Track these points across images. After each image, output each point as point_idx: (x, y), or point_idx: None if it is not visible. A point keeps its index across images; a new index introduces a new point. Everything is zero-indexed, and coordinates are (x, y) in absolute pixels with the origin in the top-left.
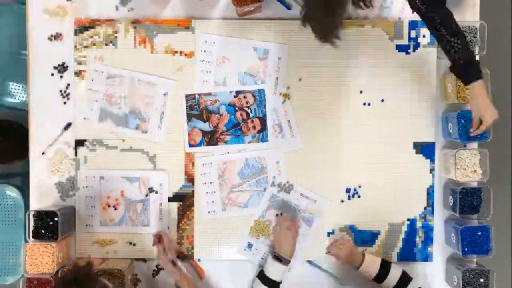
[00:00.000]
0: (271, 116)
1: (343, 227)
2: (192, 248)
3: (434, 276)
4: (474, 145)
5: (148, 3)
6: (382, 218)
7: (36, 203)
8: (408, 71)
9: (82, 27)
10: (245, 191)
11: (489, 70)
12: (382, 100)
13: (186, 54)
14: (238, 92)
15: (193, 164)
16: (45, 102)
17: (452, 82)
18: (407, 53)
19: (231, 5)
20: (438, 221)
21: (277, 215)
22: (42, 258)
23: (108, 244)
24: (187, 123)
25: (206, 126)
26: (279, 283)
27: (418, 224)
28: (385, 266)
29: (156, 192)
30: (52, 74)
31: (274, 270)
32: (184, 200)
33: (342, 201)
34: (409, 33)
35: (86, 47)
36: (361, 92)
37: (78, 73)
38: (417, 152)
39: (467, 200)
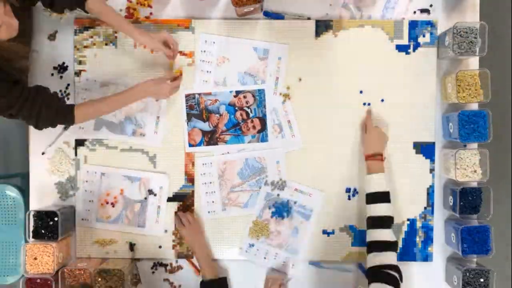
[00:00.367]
0: (271, 116)
1: (343, 227)
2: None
3: (434, 276)
4: (474, 145)
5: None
6: None
7: (36, 203)
8: (408, 71)
9: (82, 27)
10: (245, 191)
11: (489, 70)
12: (382, 100)
13: (186, 54)
14: (238, 92)
15: (193, 164)
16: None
17: (452, 82)
18: (407, 53)
19: (231, 5)
20: (438, 221)
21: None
22: (42, 258)
23: (108, 244)
24: (187, 123)
25: (206, 126)
26: None
27: (418, 224)
28: (385, 195)
29: (155, 195)
30: (52, 74)
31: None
32: (184, 200)
33: (342, 200)
34: (409, 33)
35: (86, 47)
36: (361, 92)
37: (78, 73)
38: (417, 152)
39: (467, 200)
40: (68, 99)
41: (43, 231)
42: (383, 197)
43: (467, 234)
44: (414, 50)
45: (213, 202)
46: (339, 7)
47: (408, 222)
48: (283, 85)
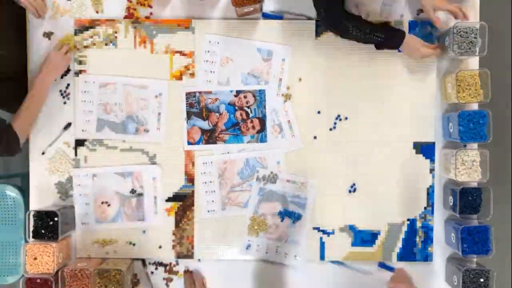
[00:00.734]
0: (271, 116)
1: (343, 227)
2: (192, 248)
3: (434, 276)
4: (474, 145)
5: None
6: (382, 218)
7: (36, 203)
8: (408, 71)
9: (82, 27)
10: (245, 190)
11: (489, 70)
12: (382, 100)
13: (185, 54)
14: (238, 92)
15: (193, 164)
16: (45, 102)
17: (452, 82)
18: None
19: (231, 6)
20: (438, 221)
21: None
22: (42, 258)
23: (108, 244)
24: (187, 121)
25: (205, 125)
26: None
27: (418, 224)
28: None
29: (141, 195)
30: None
31: None
32: (184, 200)
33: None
34: (409, 33)
35: (86, 47)
36: (360, 92)
37: (78, 73)
38: (417, 152)
39: (467, 200)
40: (68, 98)
41: (43, 231)
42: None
43: (467, 234)
44: None
45: (213, 201)
46: None
47: (408, 222)
48: (285, 86)
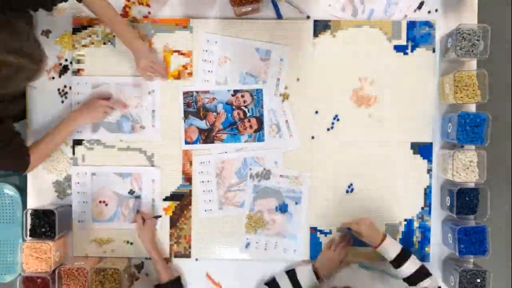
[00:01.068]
0: (269, 116)
1: (339, 227)
2: (190, 247)
3: None
4: (472, 146)
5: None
6: (379, 218)
7: (33, 202)
8: (406, 71)
9: (80, 26)
10: (242, 190)
11: (489, 70)
12: (380, 100)
13: (183, 54)
14: (236, 91)
15: (190, 163)
16: (43, 101)
17: (450, 82)
18: (405, 53)
19: (230, 5)
20: (435, 222)
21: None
22: (39, 256)
23: (105, 243)
24: (184, 120)
25: (202, 124)
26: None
27: (415, 224)
28: (405, 253)
29: (138, 197)
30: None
31: (306, 280)
32: (181, 200)
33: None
34: (407, 33)
35: (84, 46)
36: (359, 92)
37: (76, 72)
38: (414, 153)
39: (464, 200)
40: (66, 98)
41: (40, 229)
42: (404, 255)
43: (464, 235)
44: (412, 51)
45: (210, 200)
46: (339, 7)
47: (405, 222)
48: (283, 86)
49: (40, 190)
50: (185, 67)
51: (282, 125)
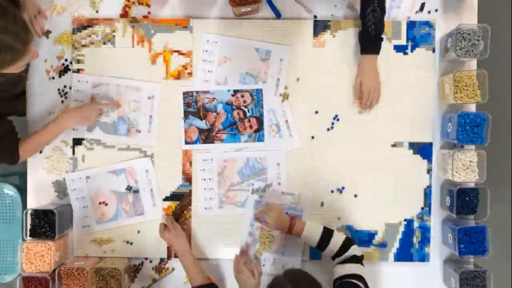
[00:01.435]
0: (268, 116)
1: (340, 227)
2: (189, 247)
3: (431, 276)
4: (472, 145)
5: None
6: (379, 218)
7: (33, 202)
8: (405, 71)
9: (80, 26)
10: (243, 190)
11: (489, 70)
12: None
13: (183, 54)
14: (236, 91)
15: (190, 163)
16: (43, 101)
17: (450, 82)
18: (405, 53)
19: (229, 5)
20: (435, 222)
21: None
22: (39, 256)
23: (105, 243)
24: (184, 120)
25: (202, 124)
26: None
27: (415, 224)
28: (327, 233)
29: (137, 191)
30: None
31: None
32: (181, 200)
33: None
34: (407, 34)
35: (84, 46)
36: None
37: (76, 72)
38: (414, 153)
39: (464, 200)
40: (66, 98)
41: (40, 229)
42: (327, 232)
43: (464, 235)
44: (412, 51)
45: (210, 198)
46: (344, 8)
47: (405, 223)
48: (283, 86)
49: (40, 190)
50: (185, 67)
51: (282, 125)
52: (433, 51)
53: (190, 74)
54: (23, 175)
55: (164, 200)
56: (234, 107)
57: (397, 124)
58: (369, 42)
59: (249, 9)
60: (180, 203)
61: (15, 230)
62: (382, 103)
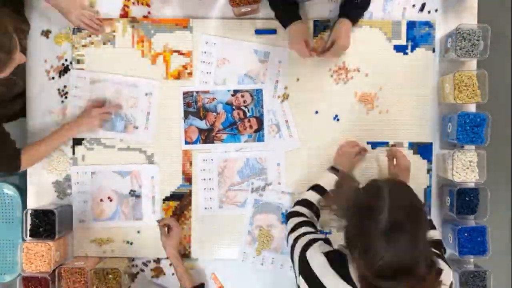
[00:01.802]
0: (268, 116)
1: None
2: (190, 247)
3: None
4: (472, 145)
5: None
6: None
7: (33, 202)
8: (406, 71)
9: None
10: (243, 190)
11: (489, 70)
12: (379, 100)
13: (183, 54)
14: (235, 91)
15: (190, 163)
16: (43, 101)
17: (450, 82)
18: (405, 53)
19: (229, 5)
20: (435, 221)
21: None
22: (39, 256)
23: (105, 242)
24: (184, 120)
25: (202, 124)
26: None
27: None
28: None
29: (139, 196)
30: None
31: (327, 181)
32: (181, 200)
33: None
34: (407, 33)
35: (84, 46)
36: (358, 92)
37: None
38: (414, 153)
39: (464, 200)
40: (66, 97)
41: (40, 229)
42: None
43: (464, 235)
44: (412, 51)
45: (210, 198)
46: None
47: None
48: (282, 87)
49: (40, 190)
50: (185, 67)
51: (282, 125)
52: (433, 51)
53: (190, 74)
54: (23, 175)
55: (164, 200)
56: (234, 107)
57: (397, 124)
58: (352, 8)
59: (249, 9)
60: (180, 203)
61: (15, 230)
62: (382, 103)
